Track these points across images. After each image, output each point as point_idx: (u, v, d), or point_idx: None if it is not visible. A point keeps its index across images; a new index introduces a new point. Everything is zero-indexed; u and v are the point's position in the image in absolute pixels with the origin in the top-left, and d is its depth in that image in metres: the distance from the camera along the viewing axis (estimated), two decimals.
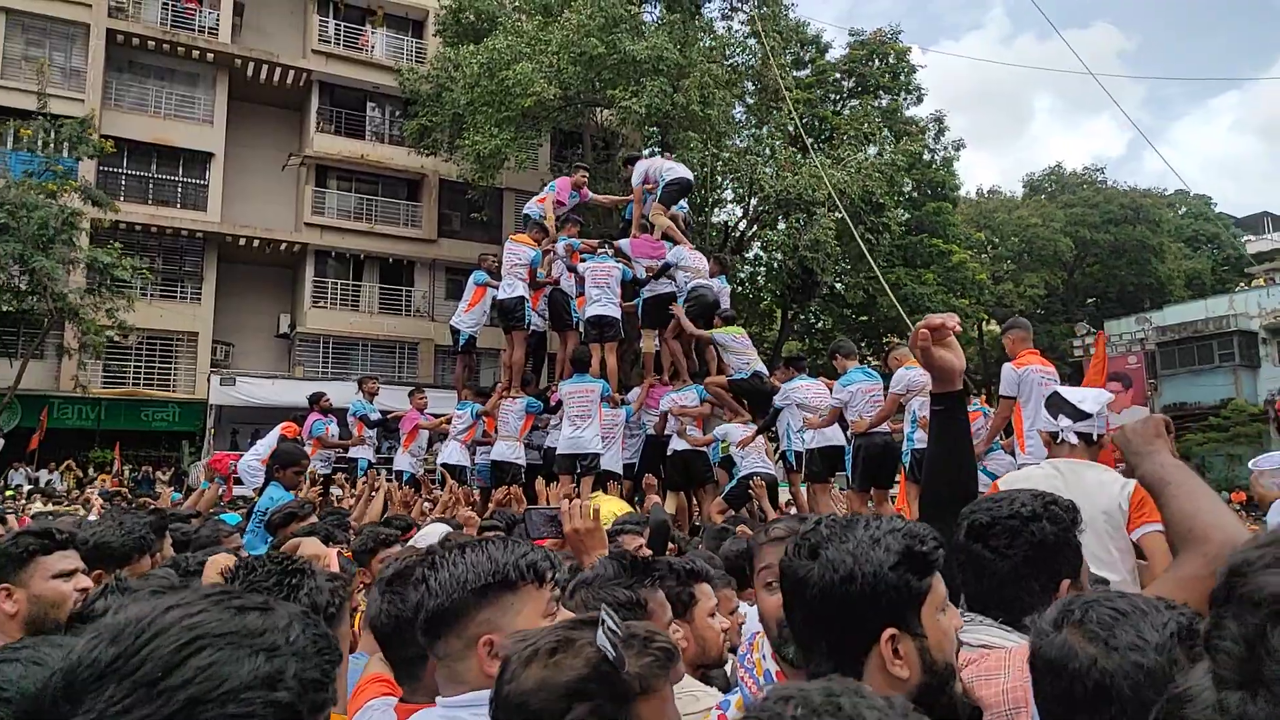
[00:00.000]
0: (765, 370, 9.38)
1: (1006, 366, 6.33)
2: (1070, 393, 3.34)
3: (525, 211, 11.24)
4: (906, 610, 1.26)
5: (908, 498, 7.46)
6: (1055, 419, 3.28)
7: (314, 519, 4.57)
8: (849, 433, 7.77)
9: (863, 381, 7.67)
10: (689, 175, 10.83)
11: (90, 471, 19.23)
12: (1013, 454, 6.45)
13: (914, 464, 7.17)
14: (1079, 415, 3.20)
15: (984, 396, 7.54)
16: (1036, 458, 4.73)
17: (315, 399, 10.94)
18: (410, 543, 3.66)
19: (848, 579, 1.27)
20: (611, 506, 5.90)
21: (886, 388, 7.55)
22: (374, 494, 6.54)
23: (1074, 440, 3.20)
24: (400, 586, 1.80)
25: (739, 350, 9.15)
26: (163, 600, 0.88)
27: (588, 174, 12.01)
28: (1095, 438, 3.22)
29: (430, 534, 3.87)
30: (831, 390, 8.03)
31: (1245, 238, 45.91)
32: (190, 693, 0.79)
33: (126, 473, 18.74)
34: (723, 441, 8.54)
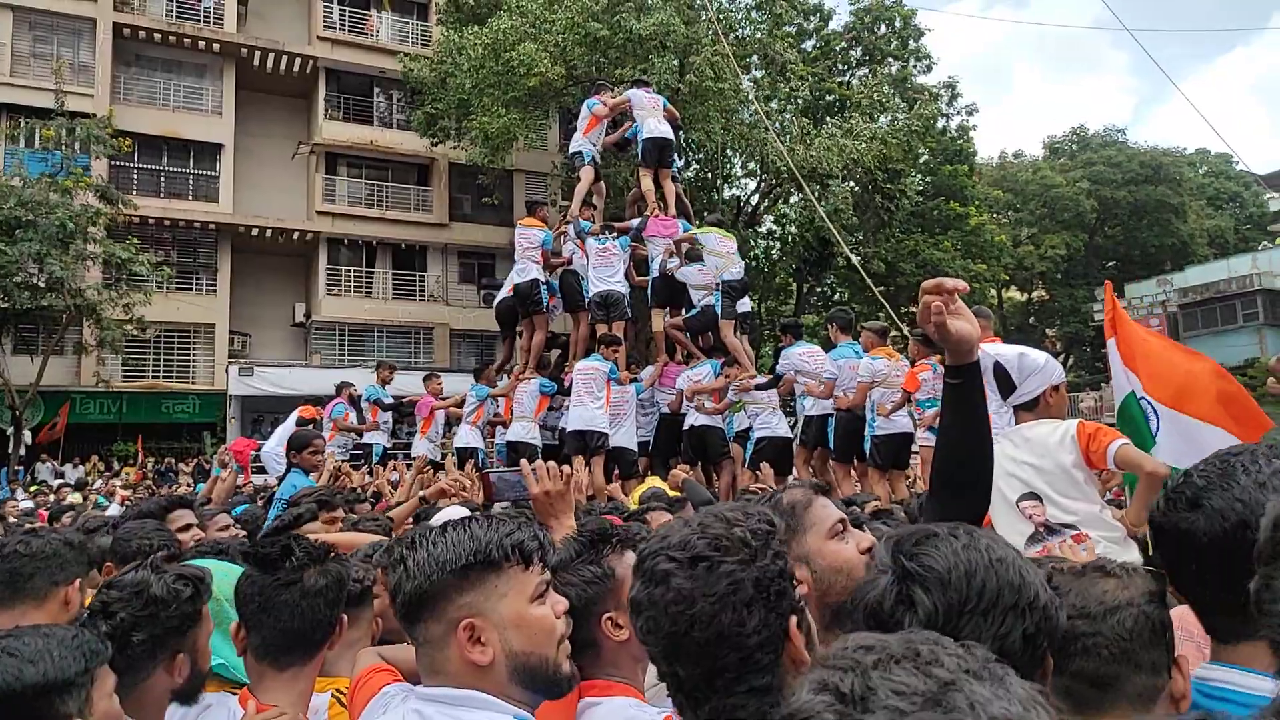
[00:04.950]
0: (738, 276, 9.22)
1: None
2: (1010, 361, 3.40)
3: (574, 149, 10.97)
4: None
5: (863, 479, 7.61)
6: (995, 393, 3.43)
7: (340, 511, 4.56)
8: (835, 406, 7.89)
9: (850, 357, 7.76)
10: (667, 134, 10.41)
11: (115, 465, 19.45)
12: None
13: (874, 449, 7.39)
14: (1009, 392, 3.38)
15: (940, 355, 7.50)
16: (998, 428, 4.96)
17: (341, 387, 11.06)
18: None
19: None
20: (655, 486, 5.87)
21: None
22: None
23: (1007, 416, 3.43)
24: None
25: (719, 253, 9.12)
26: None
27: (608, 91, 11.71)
28: (1032, 401, 3.36)
29: (446, 516, 3.78)
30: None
31: (1268, 195, 45.00)
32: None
33: (150, 465, 18.92)
34: (737, 402, 8.46)
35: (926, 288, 1.69)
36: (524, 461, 2.41)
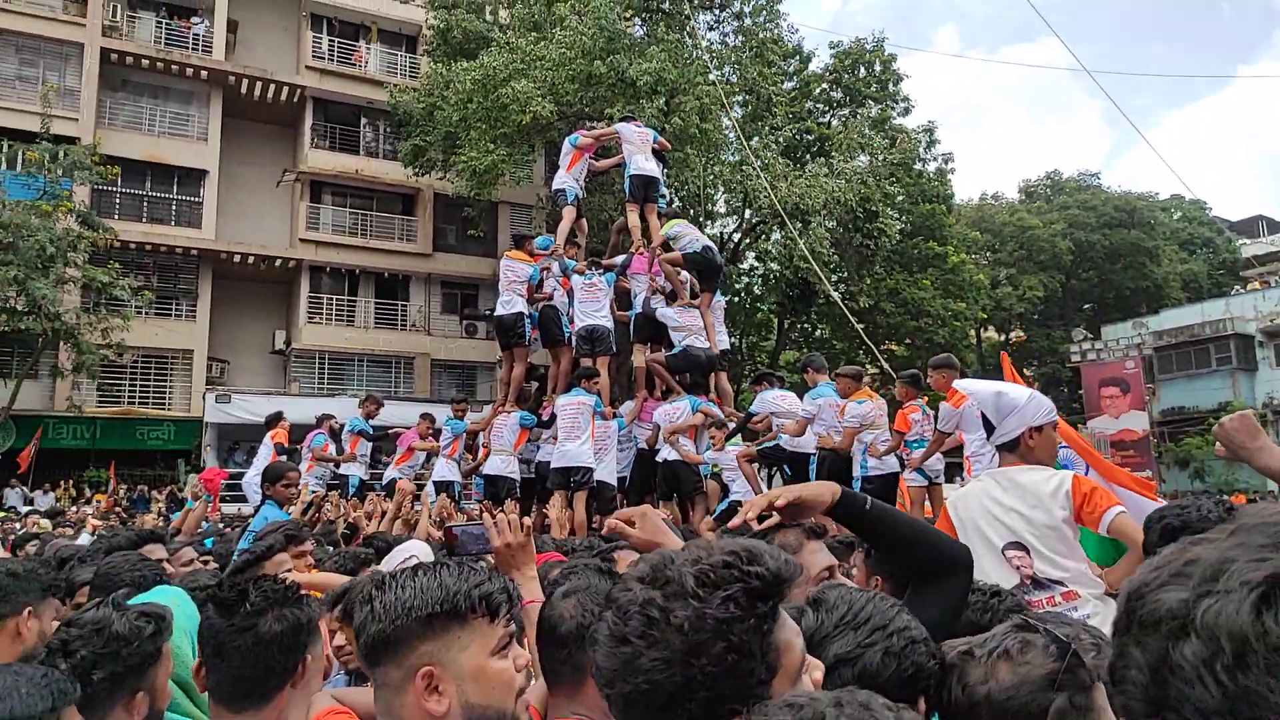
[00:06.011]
0: (712, 245, 9.84)
1: (944, 405, 6.81)
2: (985, 401, 3.25)
3: (557, 187, 11.15)
4: None
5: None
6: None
7: (310, 544, 4.49)
8: (816, 445, 8.10)
9: (830, 396, 7.93)
10: (654, 172, 10.56)
11: (86, 491, 19.15)
12: None
13: (861, 488, 7.44)
14: (990, 430, 3.24)
15: (927, 398, 7.84)
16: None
17: (322, 419, 11.05)
18: (385, 561, 3.53)
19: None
20: None
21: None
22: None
23: (990, 454, 3.35)
24: None
25: (690, 232, 9.78)
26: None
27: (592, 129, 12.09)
28: (1013, 442, 3.20)
29: (406, 552, 3.57)
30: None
31: (1240, 241, 45.90)
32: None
33: (122, 492, 18.64)
34: (713, 466, 8.70)
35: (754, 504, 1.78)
36: (487, 516, 2.40)
